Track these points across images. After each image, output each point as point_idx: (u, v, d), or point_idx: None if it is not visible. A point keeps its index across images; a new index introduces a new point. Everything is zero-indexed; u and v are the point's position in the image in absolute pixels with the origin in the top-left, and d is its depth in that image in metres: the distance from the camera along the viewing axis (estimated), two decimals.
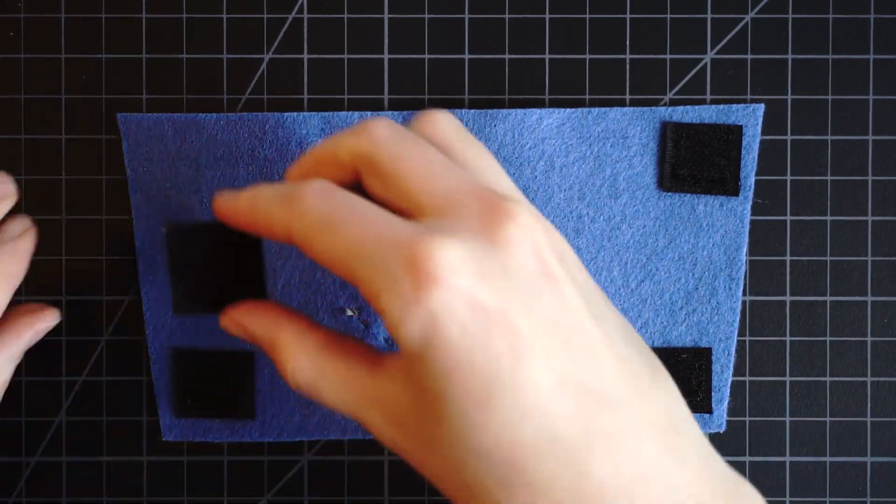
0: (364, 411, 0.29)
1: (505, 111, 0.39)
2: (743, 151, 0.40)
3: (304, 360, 0.30)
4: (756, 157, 0.40)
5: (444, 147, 0.30)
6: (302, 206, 0.28)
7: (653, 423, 0.27)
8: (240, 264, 0.33)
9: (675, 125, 0.40)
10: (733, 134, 0.40)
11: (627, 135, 0.40)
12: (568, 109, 0.40)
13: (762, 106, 0.40)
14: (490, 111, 0.39)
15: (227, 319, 0.32)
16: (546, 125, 0.40)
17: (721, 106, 0.40)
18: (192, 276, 0.33)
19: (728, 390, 0.40)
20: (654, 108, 0.40)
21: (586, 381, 0.26)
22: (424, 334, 0.26)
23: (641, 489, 0.26)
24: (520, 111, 0.39)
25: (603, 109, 0.40)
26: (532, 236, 0.27)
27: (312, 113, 0.39)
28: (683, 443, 0.27)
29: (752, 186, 0.40)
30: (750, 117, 0.40)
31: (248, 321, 0.31)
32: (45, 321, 0.37)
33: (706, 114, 0.40)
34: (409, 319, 0.26)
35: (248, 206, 0.30)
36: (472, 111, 0.39)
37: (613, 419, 0.26)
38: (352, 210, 0.28)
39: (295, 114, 0.39)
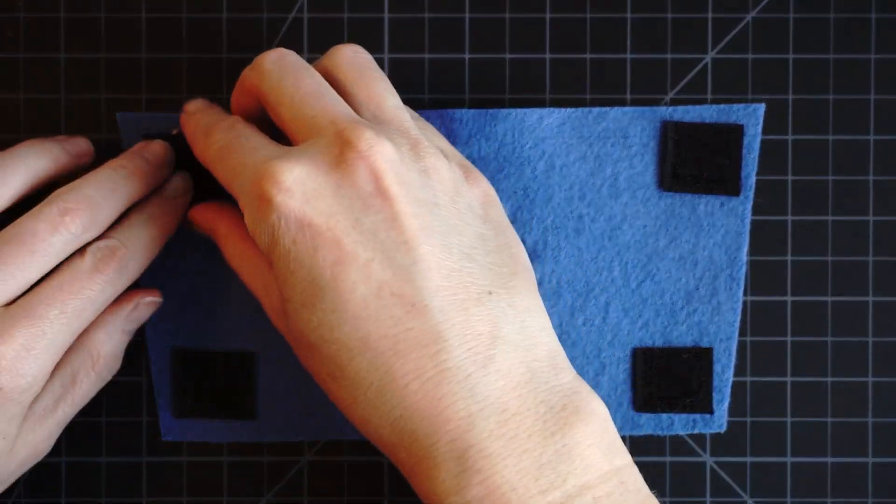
0: (261, 296, 0.34)
1: (505, 111, 0.39)
2: (744, 151, 0.40)
3: (231, 246, 0.35)
4: (757, 157, 0.40)
5: (338, 77, 0.34)
6: (210, 140, 0.34)
7: (467, 334, 0.30)
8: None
9: (675, 125, 0.40)
10: (734, 134, 0.39)
11: (628, 134, 0.40)
12: (568, 109, 0.40)
13: (763, 105, 0.40)
14: (490, 111, 0.39)
15: (187, 216, 0.38)
16: (546, 125, 0.40)
17: (722, 105, 0.40)
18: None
19: (729, 390, 0.40)
20: (654, 107, 0.40)
21: (402, 292, 0.30)
22: (268, 246, 0.31)
23: (441, 390, 0.30)
24: (520, 111, 0.39)
25: (603, 109, 0.40)
26: (370, 160, 0.30)
27: None
28: (500, 354, 0.30)
29: (753, 186, 0.40)
30: (751, 117, 0.40)
31: (196, 217, 0.38)
32: (146, 296, 0.38)
33: (707, 113, 0.40)
34: (257, 234, 0.31)
35: (187, 132, 0.36)
36: (472, 111, 0.39)
37: (423, 328, 0.30)
38: (237, 141, 0.33)
39: None
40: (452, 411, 0.29)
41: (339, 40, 0.40)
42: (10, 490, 0.40)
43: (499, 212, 0.34)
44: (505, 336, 0.31)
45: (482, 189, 0.34)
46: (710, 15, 0.40)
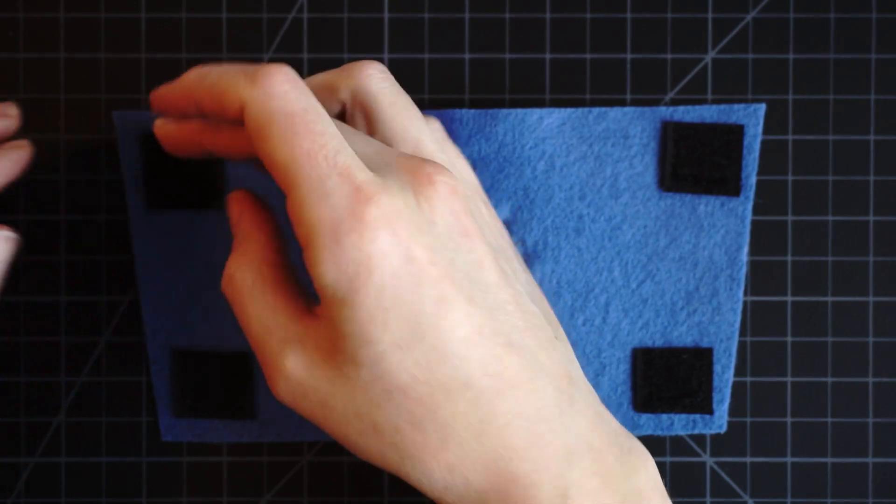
0: (279, 349, 0.30)
1: (505, 111, 0.39)
2: (744, 151, 0.39)
3: (248, 276, 0.31)
4: (757, 157, 0.40)
5: (375, 110, 0.32)
6: (262, 91, 0.28)
7: (553, 373, 0.30)
8: (205, 166, 0.38)
9: (675, 125, 0.39)
10: (734, 134, 0.39)
11: (628, 134, 0.40)
12: (568, 109, 0.40)
13: (763, 105, 0.40)
14: (490, 111, 0.39)
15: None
16: (546, 125, 0.40)
17: (722, 106, 0.40)
18: (163, 177, 0.39)
19: (729, 391, 0.40)
20: (654, 107, 0.40)
21: (500, 331, 0.29)
22: (352, 280, 0.27)
23: (541, 428, 0.29)
24: (520, 111, 0.39)
25: (603, 109, 0.40)
26: (451, 198, 0.29)
27: None
28: (577, 394, 0.30)
29: (754, 186, 0.40)
30: (751, 117, 0.40)
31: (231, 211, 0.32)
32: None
33: (707, 113, 0.40)
34: (337, 264, 0.27)
35: (196, 81, 0.31)
36: (473, 111, 0.39)
37: (521, 366, 0.29)
38: (310, 117, 0.28)
39: None
40: (553, 449, 0.29)
41: (339, 40, 0.40)
42: (11, 489, 0.40)
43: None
44: (575, 378, 0.31)
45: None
46: (710, 15, 0.40)
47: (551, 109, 0.40)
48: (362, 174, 0.28)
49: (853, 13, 0.40)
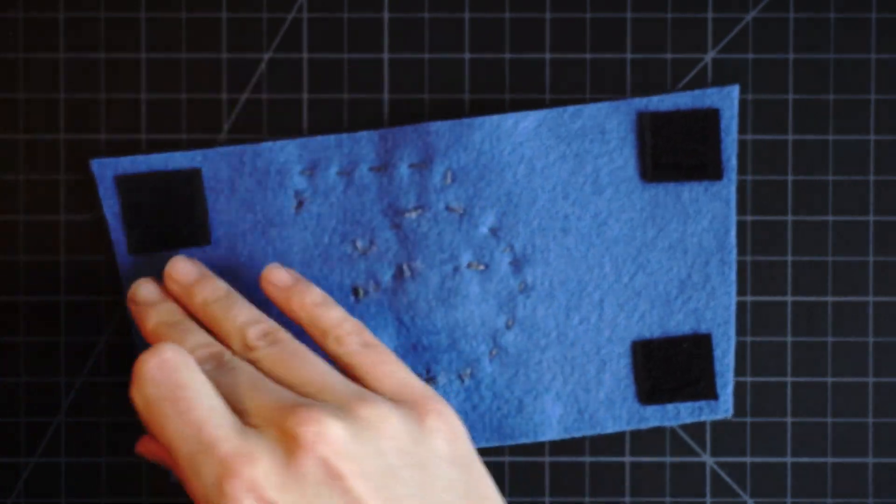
0: None
1: (480, 119, 0.39)
2: (721, 134, 0.39)
3: None
4: (736, 139, 0.39)
5: (266, 360, 0.34)
6: (137, 381, 0.31)
7: None
8: (185, 206, 0.39)
9: (651, 115, 0.39)
10: (710, 119, 0.39)
11: (605, 129, 0.39)
12: (543, 110, 0.39)
13: (737, 86, 0.39)
14: (465, 120, 0.39)
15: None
16: (522, 128, 0.39)
17: (696, 91, 0.40)
18: (143, 220, 0.39)
19: (731, 374, 0.40)
20: (629, 99, 0.39)
21: None
22: None
23: None
24: (495, 117, 0.39)
25: (578, 107, 0.39)
26: (319, 447, 0.30)
27: (288, 140, 0.39)
28: None
29: (736, 168, 0.39)
30: (725, 99, 0.39)
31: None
32: None
33: (681, 101, 0.39)
34: None
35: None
36: (448, 122, 0.39)
37: None
38: (184, 395, 0.31)
39: (271, 143, 0.39)
40: None
41: (339, 40, 0.40)
42: (10, 490, 0.40)
43: (464, 444, 0.33)
44: None
45: (445, 423, 0.33)
46: (710, 15, 0.40)
47: (526, 112, 0.39)
48: (227, 445, 0.29)
49: (853, 13, 0.40)
